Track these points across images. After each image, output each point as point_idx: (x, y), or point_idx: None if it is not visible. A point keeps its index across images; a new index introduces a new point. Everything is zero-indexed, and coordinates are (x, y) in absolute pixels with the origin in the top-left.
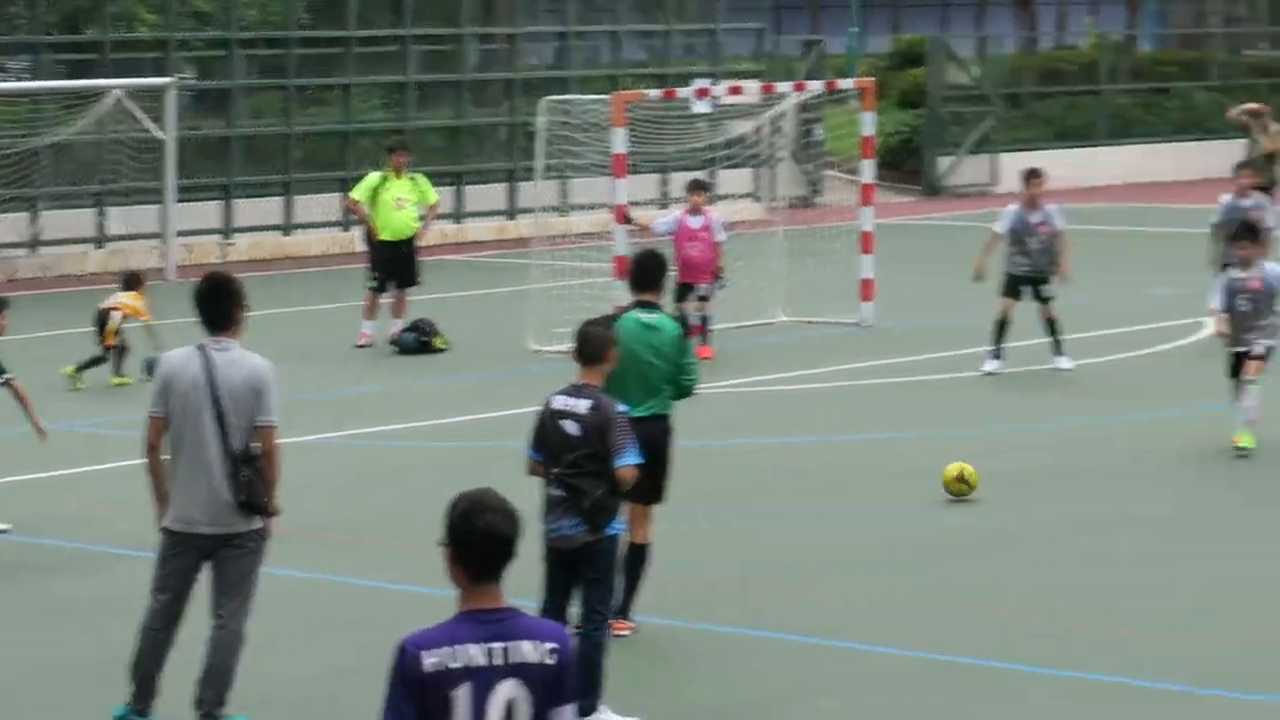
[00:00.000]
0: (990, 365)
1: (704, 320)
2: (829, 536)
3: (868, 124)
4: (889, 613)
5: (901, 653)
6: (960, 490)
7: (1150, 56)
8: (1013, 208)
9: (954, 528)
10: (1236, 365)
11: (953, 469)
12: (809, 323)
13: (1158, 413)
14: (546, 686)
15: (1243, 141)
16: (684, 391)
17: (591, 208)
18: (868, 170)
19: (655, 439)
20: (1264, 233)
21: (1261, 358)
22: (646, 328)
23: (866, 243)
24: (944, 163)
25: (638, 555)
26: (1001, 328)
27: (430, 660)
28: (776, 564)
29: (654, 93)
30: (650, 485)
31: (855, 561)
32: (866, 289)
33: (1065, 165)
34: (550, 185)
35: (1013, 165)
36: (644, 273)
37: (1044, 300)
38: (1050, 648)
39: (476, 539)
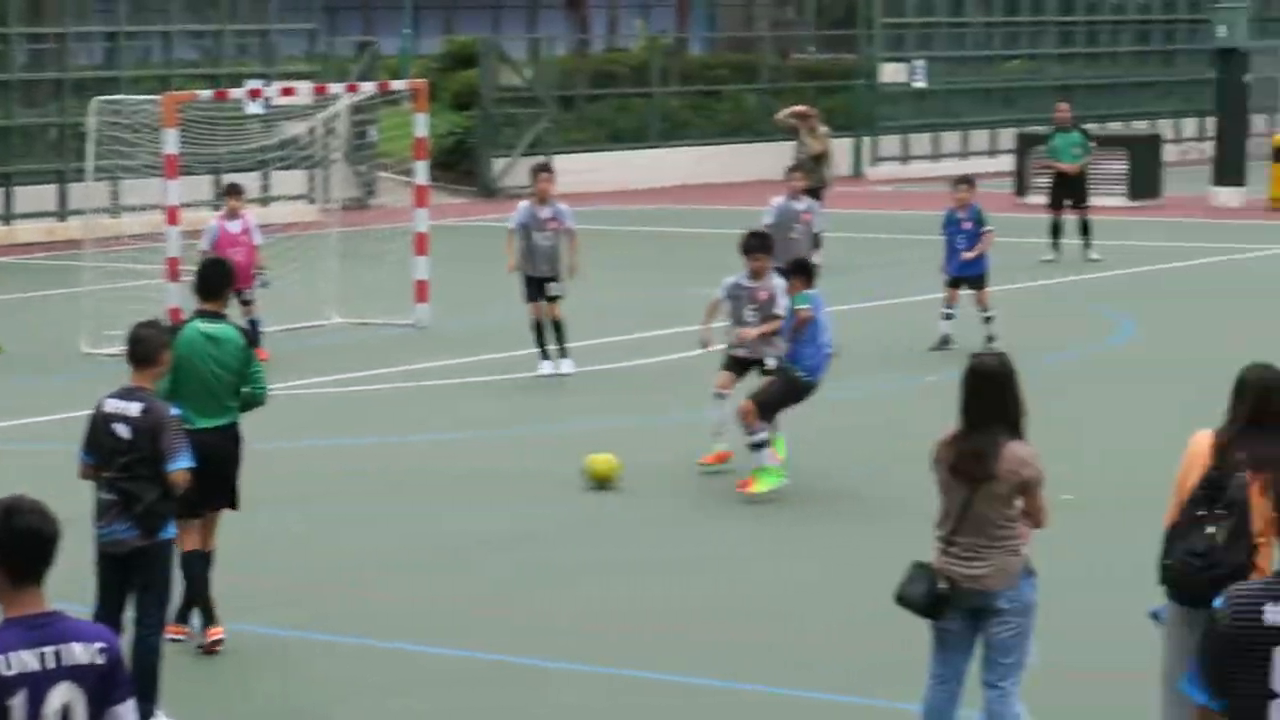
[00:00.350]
0: (544, 368)
1: (253, 323)
2: (392, 538)
3: (421, 125)
4: (449, 613)
5: (460, 653)
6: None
7: (700, 60)
8: (524, 204)
9: (508, 528)
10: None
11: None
12: (364, 324)
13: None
14: (100, 687)
15: (792, 144)
16: (254, 401)
17: (144, 209)
18: (422, 172)
19: (224, 448)
20: (770, 241)
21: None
22: (208, 339)
23: (421, 244)
24: (498, 164)
25: (198, 561)
26: (540, 330)
27: None
28: (340, 566)
29: (206, 93)
30: (222, 494)
31: (416, 562)
32: (421, 290)
33: (618, 167)
34: (101, 186)
35: (567, 167)
36: (206, 282)
37: (550, 299)
38: (590, 645)
39: (16, 541)
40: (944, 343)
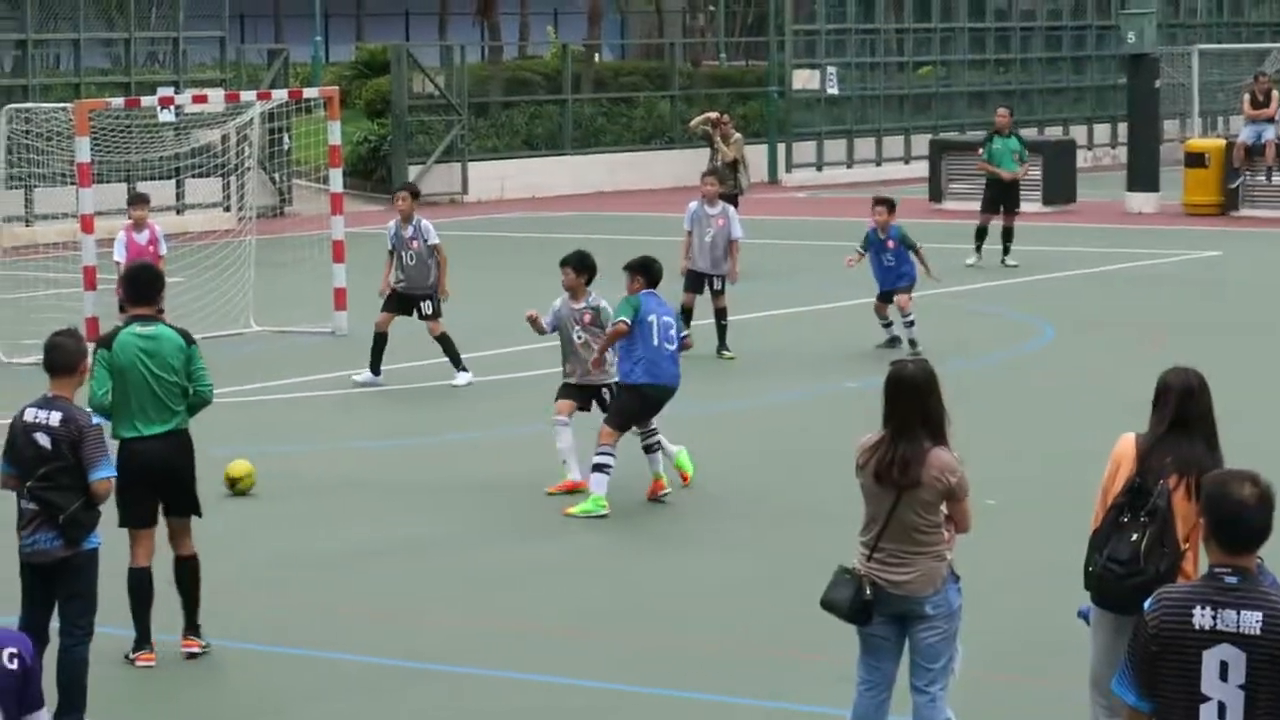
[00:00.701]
0: (460, 379)
1: None
2: (300, 543)
3: (334, 133)
4: (356, 620)
5: (373, 660)
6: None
7: (613, 67)
8: (391, 223)
9: (420, 534)
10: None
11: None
12: (282, 332)
13: None
14: (15, 693)
15: (706, 150)
16: (201, 402)
17: (58, 217)
18: (336, 179)
19: (175, 454)
20: (585, 258)
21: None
22: (146, 340)
23: (338, 251)
24: (413, 171)
25: (185, 568)
26: (380, 343)
27: None
28: (252, 573)
29: (118, 101)
30: (180, 498)
31: (322, 568)
32: (339, 297)
33: (533, 174)
34: (14, 195)
35: (481, 174)
36: (136, 286)
37: (425, 317)
38: (505, 651)
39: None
40: (892, 342)
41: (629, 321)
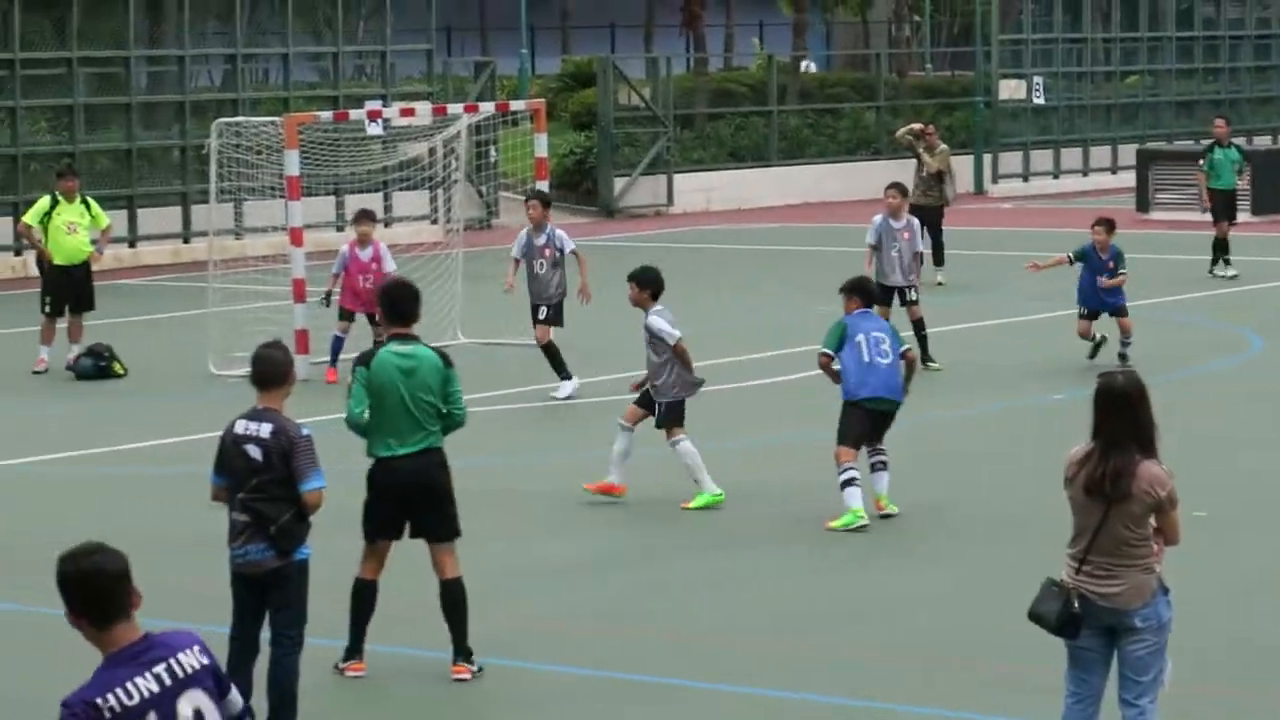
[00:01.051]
0: (562, 389)
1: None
2: (512, 558)
3: (541, 145)
4: (561, 633)
5: (579, 671)
6: None
7: (818, 78)
8: (522, 231)
9: (637, 545)
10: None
11: None
12: (489, 344)
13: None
14: (215, 684)
15: (912, 161)
16: (455, 423)
17: (267, 230)
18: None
19: (428, 474)
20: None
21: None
22: (404, 360)
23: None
24: (619, 183)
25: (451, 592)
26: (550, 353)
27: (108, 707)
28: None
29: (326, 115)
30: (437, 521)
31: (528, 582)
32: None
33: (738, 185)
34: (225, 208)
35: (686, 186)
36: (394, 305)
37: (539, 321)
38: (711, 661)
39: (87, 586)
40: (1097, 348)
41: (830, 353)
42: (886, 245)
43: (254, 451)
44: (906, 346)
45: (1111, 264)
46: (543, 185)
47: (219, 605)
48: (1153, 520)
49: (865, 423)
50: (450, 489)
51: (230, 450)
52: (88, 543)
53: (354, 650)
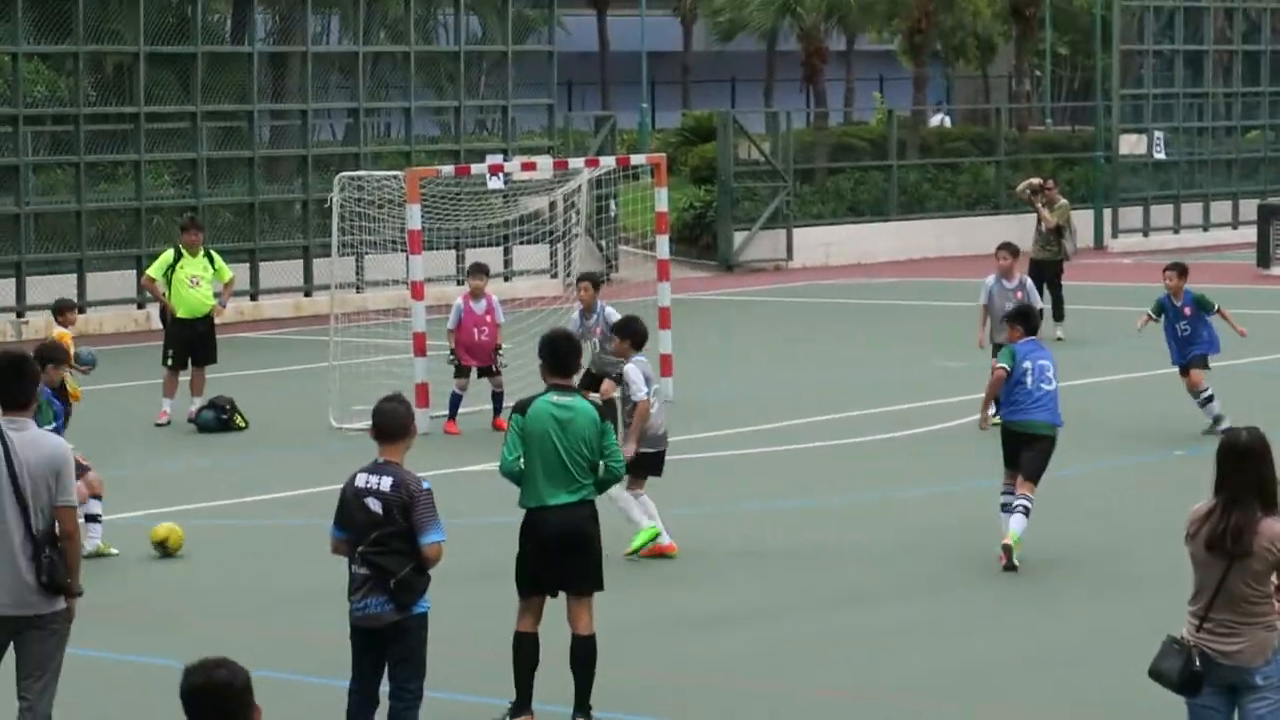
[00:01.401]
0: None
1: (497, 397)
2: (671, 607)
3: (661, 199)
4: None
5: None
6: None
7: (938, 132)
8: (575, 314)
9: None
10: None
11: (161, 531)
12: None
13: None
14: None
15: (1032, 216)
16: (612, 477)
17: (388, 284)
18: (663, 246)
19: (579, 525)
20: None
21: None
22: (561, 410)
23: (664, 318)
24: (738, 238)
25: (583, 648)
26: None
27: None
28: (618, 642)
29: (448, 169)
30: (582, 573)
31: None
32: (665, 364)
33: (858, 239)
34: (346, 261)
35: (806, 240)
36: (555, 356)
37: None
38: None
39: (210, 699)
40: (1216, 422)
41: (1008, 367)
42: (999, 306)
43: (374, 505)
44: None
45: (1189, 309)
46: (663, 239)
47: (339, 658)
48: (1275, 578)
49: (1016, 446)
50: (599, 542)
51: (351, 503)
52: (211, 658)
53: (521, 707)
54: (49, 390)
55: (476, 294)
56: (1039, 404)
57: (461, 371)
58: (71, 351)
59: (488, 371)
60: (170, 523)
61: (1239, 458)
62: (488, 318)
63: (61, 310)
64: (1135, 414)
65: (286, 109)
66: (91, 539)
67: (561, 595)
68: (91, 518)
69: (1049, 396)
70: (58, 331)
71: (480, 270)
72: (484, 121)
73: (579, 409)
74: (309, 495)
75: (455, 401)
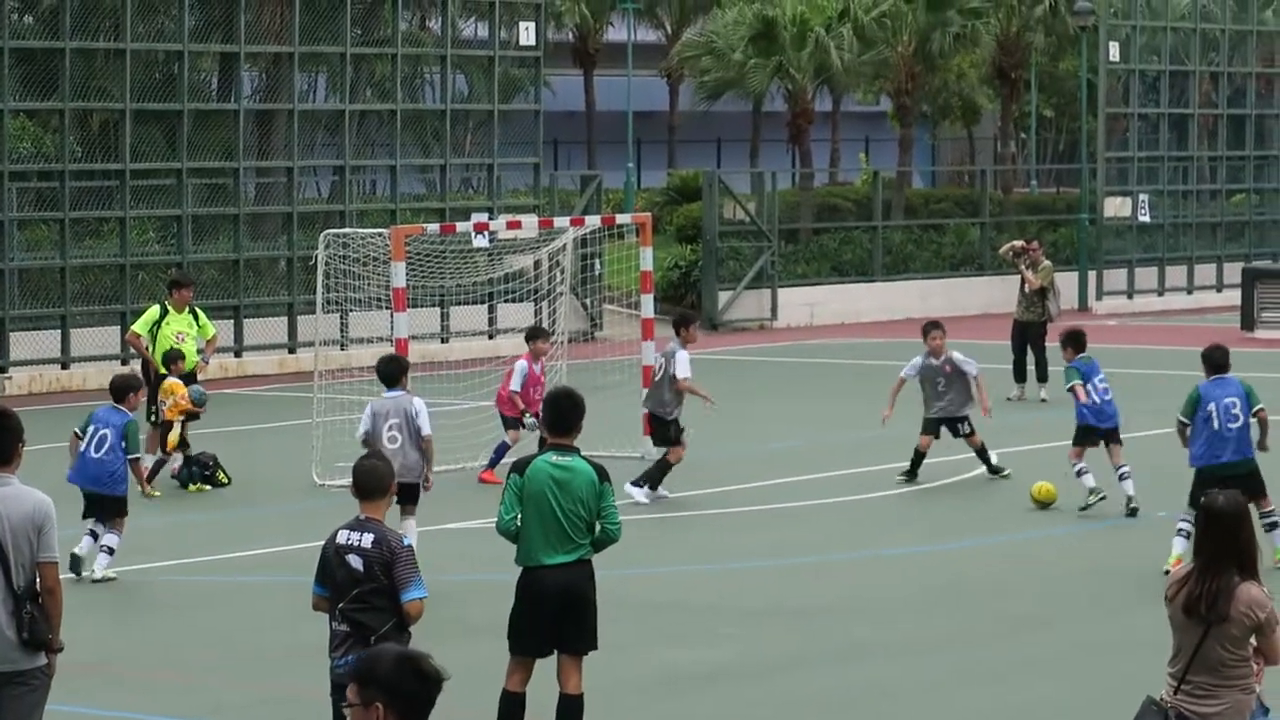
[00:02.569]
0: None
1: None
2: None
3: (646, 259)
4: None
5: None
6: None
7: (923, 194)
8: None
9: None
10: None
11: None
12: (598, 456)
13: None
14: None
15: (1017, 277)
16: (608, 538)
17: (372, 341)
18: (647, 305)
19: (576, 586)
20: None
21: None
22: (560, 470)
23: (647, 377)
24: (723, 297)
25: (570, 708)
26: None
27: None
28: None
29: (432, 227)
30: (577, 634)
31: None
32: (647, 423)
33: (842, 300)
34: (330, 319)
35: (790, 300)
36: (558, 414)
37: None
38: None
39: (427, 688)
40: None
41: (1186, 421)
42: (930, 380)
43: (355, 562)
44: (1259, 406)
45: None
46: (647, 298)
47: (320, 715)
48: (1253, 640)
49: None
50: (594, 602)
51: (332, 560)
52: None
53: None
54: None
55: (538, 355)
56: (1234, 444)
57: (512, 424)
58: (180, 395)
59: (516, 424)
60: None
61: (1215, 522)
62: (542, 377)
63: (172, 360)
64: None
65: (272, 166)
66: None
67: (552, 654)
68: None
69: (1240, 434)
70: (169, 381)
71: (545, 334)
72: (469, 180)
73: (578, 469)
74: (291, 552)
75: (502, 451)
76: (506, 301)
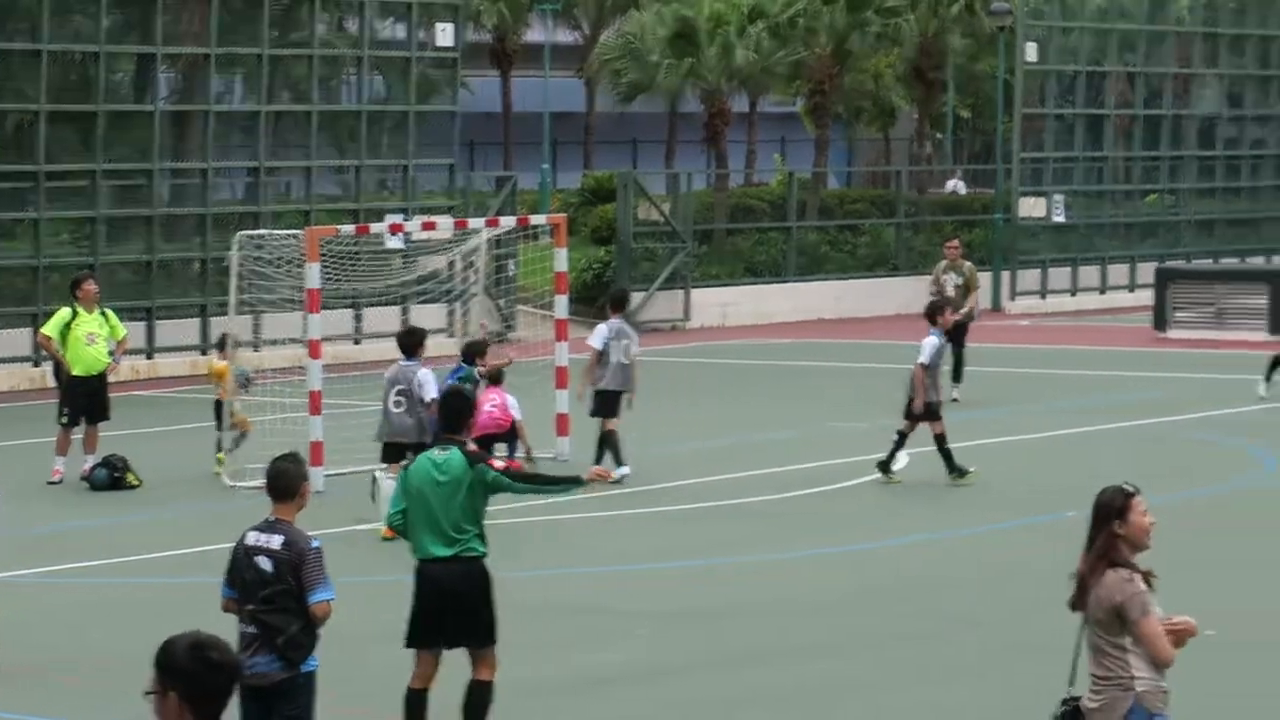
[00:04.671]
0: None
1: None
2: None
3: (560, 259)
4: None
5: None
6: None
7: (838, 194)
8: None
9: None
10: None
11: None
12: (504, 457)
13: (871, 542)
14: None
15: (928, 277)
16: (502, 487)
17: (284, 342)
18: (561, 306)
19: (459, 581)
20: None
21: None
22: (435, 465)
23: (561, 377)
24: (636, 298)
25: (476, 692)
26: None
27: None
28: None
29: (347, 228)
30: (470, 629)
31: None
32: (562, 423)
33: (757, 300)
34: (244, 320)
35: (704, 300)
36: (447, 412)
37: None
38: None
39: (217, 677)
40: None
41: None
42: (939, 362)
43: (264, 563)
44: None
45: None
46: (561, 299)
47: (227, 717)
48: (1129, 633)
49: None
50: (486, 595)
51: (241, 562)
52: (209, 635)
53: None
54: None
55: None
56: None
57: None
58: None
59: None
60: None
61: (1093, 512)
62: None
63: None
64: (1026, 476)
65: (187, 167)
66: None
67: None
68: None
69: None
70: (218, 365)
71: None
72: (385, 181)
73: (452, 461)
74: (201, 554)
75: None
76: (421, 303)
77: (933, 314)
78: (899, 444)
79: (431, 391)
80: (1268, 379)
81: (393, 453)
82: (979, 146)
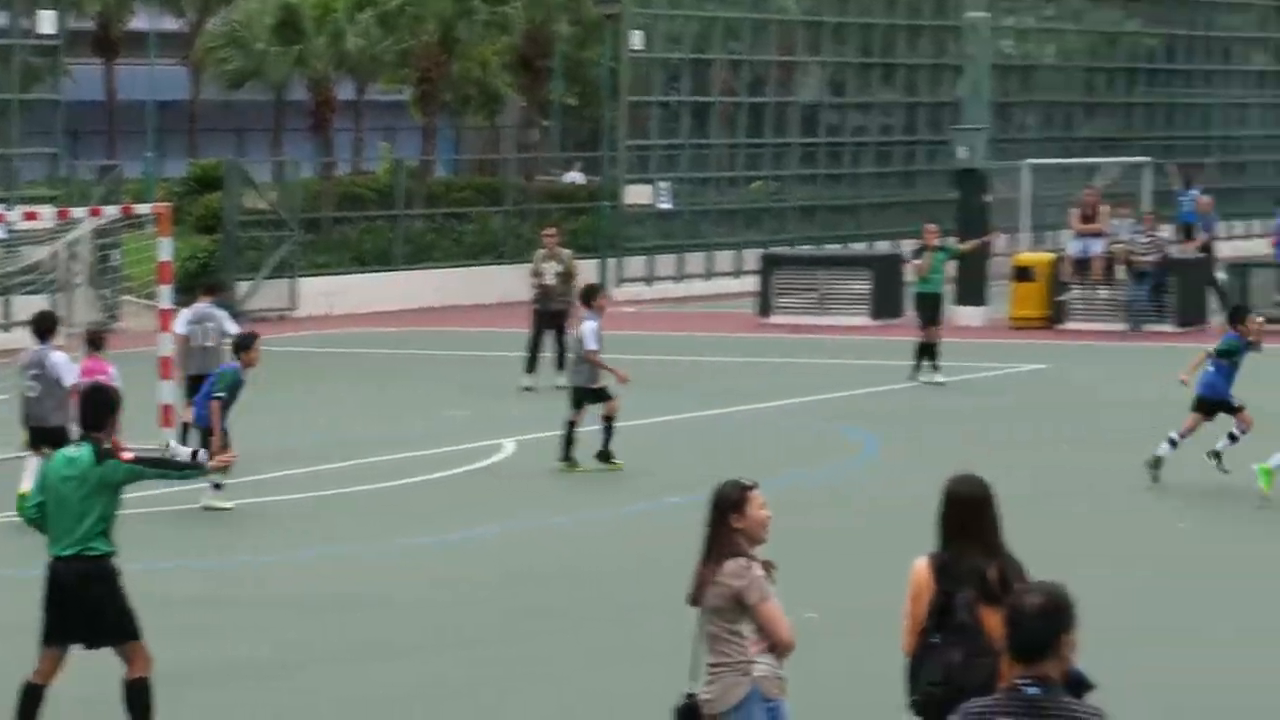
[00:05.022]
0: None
1: None
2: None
3: (165, 249)
4: None
5: None
6: None
7: (445, 182)
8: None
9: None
10: None
11: None
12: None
13: (470, 532)
14: None
15: (529, 265)
16: (136, 477)
17: None
18: (165, 296)
19: (85, 580)
20: None
21: None
22: (68, 462)
23: (165, 368)
24: (243, 287)
25: (132, 692)
26: None
27: None
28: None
29: None
30: (98, 628)
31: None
32: (166, 415)
33: (364, 289)
34: None
35: (312, 290)
36: (86, 408)
37: None
38: None
39: None
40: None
41: None
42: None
43: None
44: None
45: None
46: (165, 289)
47: None
48: (749, 620)
49: None
50: (111, 593)
51: None
52: None
53: None
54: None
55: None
56: None
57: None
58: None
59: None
60: None
61: (710, 506)
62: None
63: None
64: (632, 462)
65: None
66: None
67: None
68: None
69: None
70: None
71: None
72: None
73: (82, 458)
74: None
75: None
76: (24, 294)
77: (588, 298)
78: (571, 433)
79: (68, 376)
80: (918, 366)
81: (38, 437)
82: (586, 135)
